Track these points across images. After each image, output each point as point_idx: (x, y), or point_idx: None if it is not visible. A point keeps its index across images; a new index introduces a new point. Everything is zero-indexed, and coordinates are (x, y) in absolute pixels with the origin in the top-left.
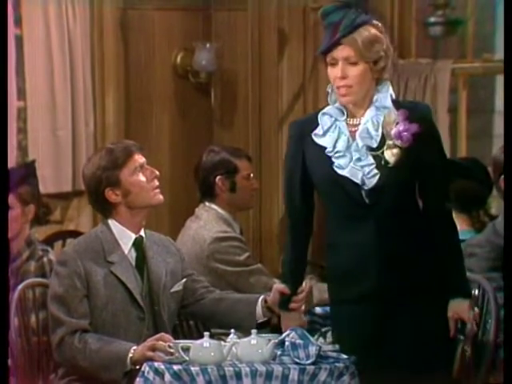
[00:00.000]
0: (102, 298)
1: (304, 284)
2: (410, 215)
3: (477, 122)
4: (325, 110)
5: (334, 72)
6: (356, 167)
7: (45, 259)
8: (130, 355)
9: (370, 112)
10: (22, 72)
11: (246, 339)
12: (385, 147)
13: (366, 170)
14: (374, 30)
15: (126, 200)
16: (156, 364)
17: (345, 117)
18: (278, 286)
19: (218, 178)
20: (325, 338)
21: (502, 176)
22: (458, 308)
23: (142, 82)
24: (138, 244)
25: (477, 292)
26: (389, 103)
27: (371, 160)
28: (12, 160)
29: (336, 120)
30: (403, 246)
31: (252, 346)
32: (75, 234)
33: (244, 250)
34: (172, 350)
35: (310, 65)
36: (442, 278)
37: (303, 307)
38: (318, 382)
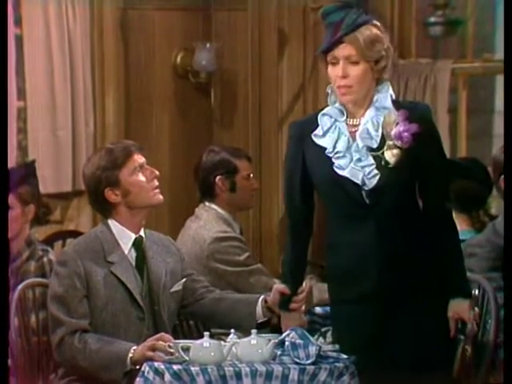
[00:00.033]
0: (101, 298)
1: (304, 284)
2: (410, 215)
3: (477, 122)
4: (325, 111)
5: (334, 71)
6: (356, 168)
7: (45, 259)
8: (130, 355)
9: (370, 112)
10: (22, 72)
11: (245, 339)
12: (385, 148)
13: (367, 170)
14: (375, 30)
15: (125, 200)
16: (156, 364)
17: (344, 117)
18: (278, 286)
19: (217, 178)
20: (325, 338)
21: (502, 176)
22: (459, 308)
23: (142, 82)
24: (137, 244)
25: (477, 292)
26: (389, 103)
27: (371, 160)
28: (12, 160)
29: (336, 121)
30: (403, 246)
31: (252, 346)
32: (75, 233)
33: (244, 249)
34: (172, 350)
35: (310, 65)
36: (442, 278)
37: (303, 307)
38: (318, 381)
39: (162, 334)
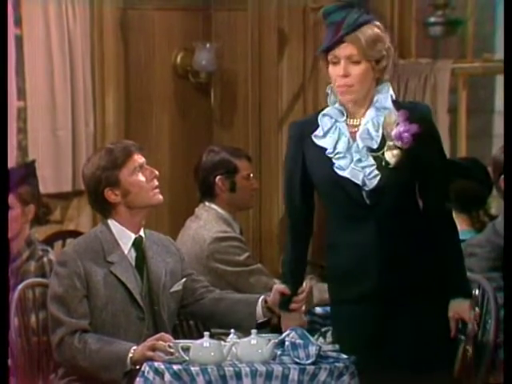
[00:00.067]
0: (101, 298)
1: (304, 284)
2: (410, 215)
3: (477, 122)
4: (325, 111)
5: (335, 70)
6: (357, 168)
7: (45, 259)
8: (130, 355)
9: (371, 113)
10: (22, 72)
11: (245, 339)
12: (385, 148)
13: (367, 171)
14: (376, 30)
15: (125, 200)
16: (156, 364)
17: (344, 117)
18: (279, 286)
19: (217, 178)
20: (325, 338)
21: (502, 176)
22: (459, 308)
23: (142, 82)
24: (137, 244)
25: (477, 292)
26: (389, 104)
27: (372, 161)
28: (12, 160)
29: (336, 121)
30: (403, 246)
31: (252, 346)
32: (75, 233)
33: (244, 250)
34: (172, 350)
35: (310, 65)
36: (442, 278)
37: (303, 308)
38: (318, 381)
39: (162, 334)
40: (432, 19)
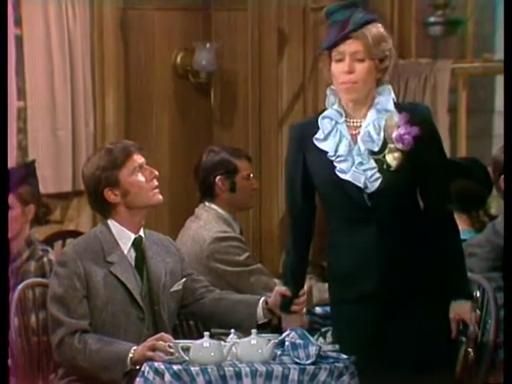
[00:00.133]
0: (101, 298)
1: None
2: (411, 216)
3: (477, 122)
4: (324, 114)
5: (339, 67)
6: (358, 171)
7: (45, 259)
8: (130, 355)
9: (371, 115)
10: (22, 72)
11: (245, 339)
12: (386, 151)
13: (369, 173)
14: (381, 29)
15: (125, 200)
16: (156, 364)
17: (344, 118)
18: (280, 288)
19: (217, 178)
20: (325, 338)
21: (502, 176)
22: (460, 309)
23: (142, 82)
24: (137, 244)
25: (477, 293)
26: (391, 106)
27: (373, 164)
28: (12, 160)
29: (336, 123)
30: (404, 247)
31: (252, 346)
32: (75, 233)
33: (244, 250)
34: (172, 350)
35: (310, 65)
36: (443, 279)
37: (304, 309)
38: (318, 382)
39: (162, 334)
40: (432, 19)
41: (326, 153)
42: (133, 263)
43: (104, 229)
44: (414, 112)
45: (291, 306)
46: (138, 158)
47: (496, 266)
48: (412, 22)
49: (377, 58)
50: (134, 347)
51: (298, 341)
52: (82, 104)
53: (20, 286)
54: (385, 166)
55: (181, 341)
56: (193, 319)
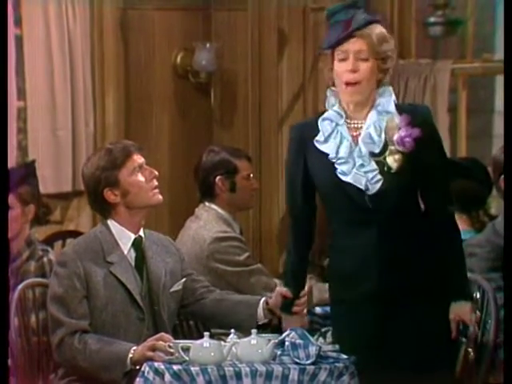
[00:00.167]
0: (101, 298)
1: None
2: (411, 218)
3: (477, 122)
4: (324, 116)
5: (343, 66)
6: (359, 173)
7: (45, 259)
8: (130, 355)
9: (372, 116)
10: (22, 72)
11: (245, 339)
12: (387, 153)
13: (370, 175)
14: (384, 29)
15: (124, 200)
16: (156, 364)
17: (344, 119)
18: (281, 289)
19: (217, 178)
20: (325, 338)
21: (502, 176)
22: (460, 310)
23: (142, 82)
24: (137, 244)
25: (477, 295)
26: (392, 108)
27: (374, 166)
28: (12, 160)
29: (337, 125)
30: (405, 248)
31: (252, 346)
32: (75, 233)
33: (244, 250)
34: (172, 350)
35: (310, 65)
36: (443, 279)
37: (305, 310)
38: (318, 382)
39: (162, 334)
40: (432, 19)
41: (327, 155)
42: (133, 263)
43: (104, 229)
44: (414, 113)
45: (292, 306)
46: (138, 158)
47: (496, 266)
48: (412, 21)
49: (380, 58)
50: (134, 347)
51: (298, 341)
52: (82, 104)
53: (20, 286)
54: (385, 168)
55: (181, 341)
56: (193, 319)
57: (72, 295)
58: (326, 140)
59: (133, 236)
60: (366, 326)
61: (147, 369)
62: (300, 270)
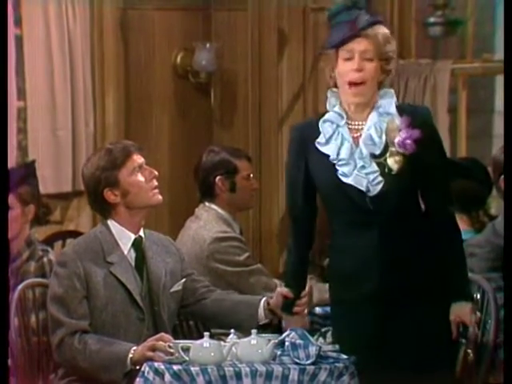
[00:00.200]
0: (101, 298)
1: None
2: (412, 218)
3: (477, 122)
4: (325, 117)
5: (348, 65)
6: (360, 175)
7: (45, 259)
8: (130, 356)
9: (373, 118)
10: (22, 72)
11: (245, 339)
12: (387, 154)
13: (371, 177)
14: (387, 30)
15: (124, 200)
16: (156, 364)
17: (345, 120)
18: (282, 289)
19: (217, 178)
20: (325, 338)
21: (502, 176)
22: (460, 311)
23: (142, 82)
24: (137, 244)
25: (478, 296)
26: (393, 110)
27: (375, 167)
28: (12, 160)
29: (338, 126)
30: (405, 249)
31: (252, 346)
32: (75, 234)
33: (244, 250)
34: (172, 350)
35: (310, 65)
36: (443, 279)
37: (306, 310)
38: (318, 382)
39: (162, 334)
40: (432, 19)
41: (328, 156)
42: (133, 263)
43: (104, 229)
44: (414, 114)
45: (293, 307)
46: (138, 158)
47: (496, 267)
48: (412, 22)
49: (383, 59)
50: (134, 347)
51: (298, 341)
52: (82, 104)
53: (20, 286)
54: (386, 170)
55: (181, 341)
56: (193, 319)
57: (72, 295)
58: (327, 142)
59: (133, 236)
60: (366, 326)
61: (147, 369)
62: (300, 271)
